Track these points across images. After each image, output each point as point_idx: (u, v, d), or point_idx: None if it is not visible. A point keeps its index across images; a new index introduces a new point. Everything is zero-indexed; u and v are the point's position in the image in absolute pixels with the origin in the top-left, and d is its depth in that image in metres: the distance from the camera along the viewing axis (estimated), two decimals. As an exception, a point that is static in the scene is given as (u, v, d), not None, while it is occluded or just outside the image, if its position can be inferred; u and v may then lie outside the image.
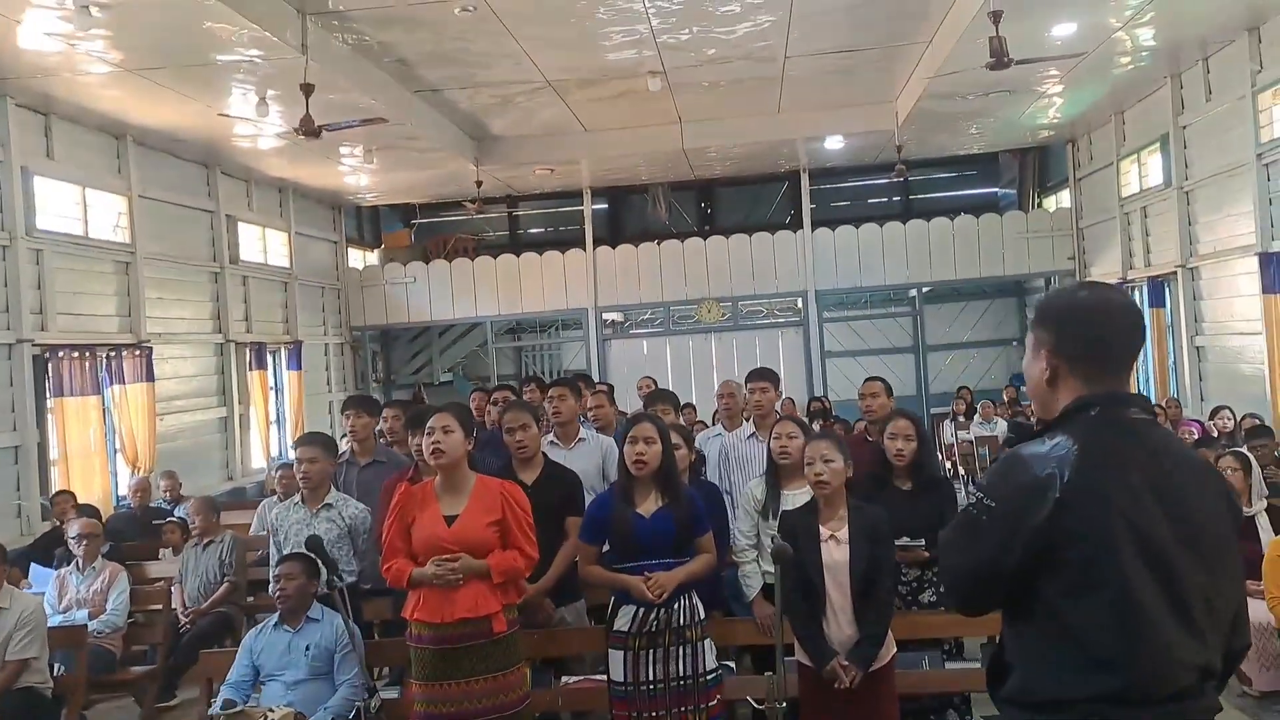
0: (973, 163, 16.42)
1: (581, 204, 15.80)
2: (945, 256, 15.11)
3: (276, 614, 4.82)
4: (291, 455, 12.42)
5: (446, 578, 3.95)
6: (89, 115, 9.30)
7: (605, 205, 17.35)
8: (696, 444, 5.90)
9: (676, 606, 4.06)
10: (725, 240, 15.54)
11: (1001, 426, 12.05)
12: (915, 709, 4.67)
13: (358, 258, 16.59)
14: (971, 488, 4.76)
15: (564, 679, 4.91)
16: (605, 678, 4.75)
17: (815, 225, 15.33)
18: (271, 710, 4.10)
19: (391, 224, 17.88)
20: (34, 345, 8.54)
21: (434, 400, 11.46)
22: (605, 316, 15.91)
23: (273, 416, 13.03)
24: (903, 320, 16.55)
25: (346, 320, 15.75)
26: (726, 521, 5.04)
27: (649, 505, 4.14)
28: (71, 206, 9.38)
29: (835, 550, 3.98)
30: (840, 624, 3.96)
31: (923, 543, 4.62)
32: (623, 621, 4.10)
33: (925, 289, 15.78)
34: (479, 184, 13.09)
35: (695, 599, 4.15)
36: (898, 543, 4.54)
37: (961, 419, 13.25)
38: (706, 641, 4.13)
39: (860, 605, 3.95)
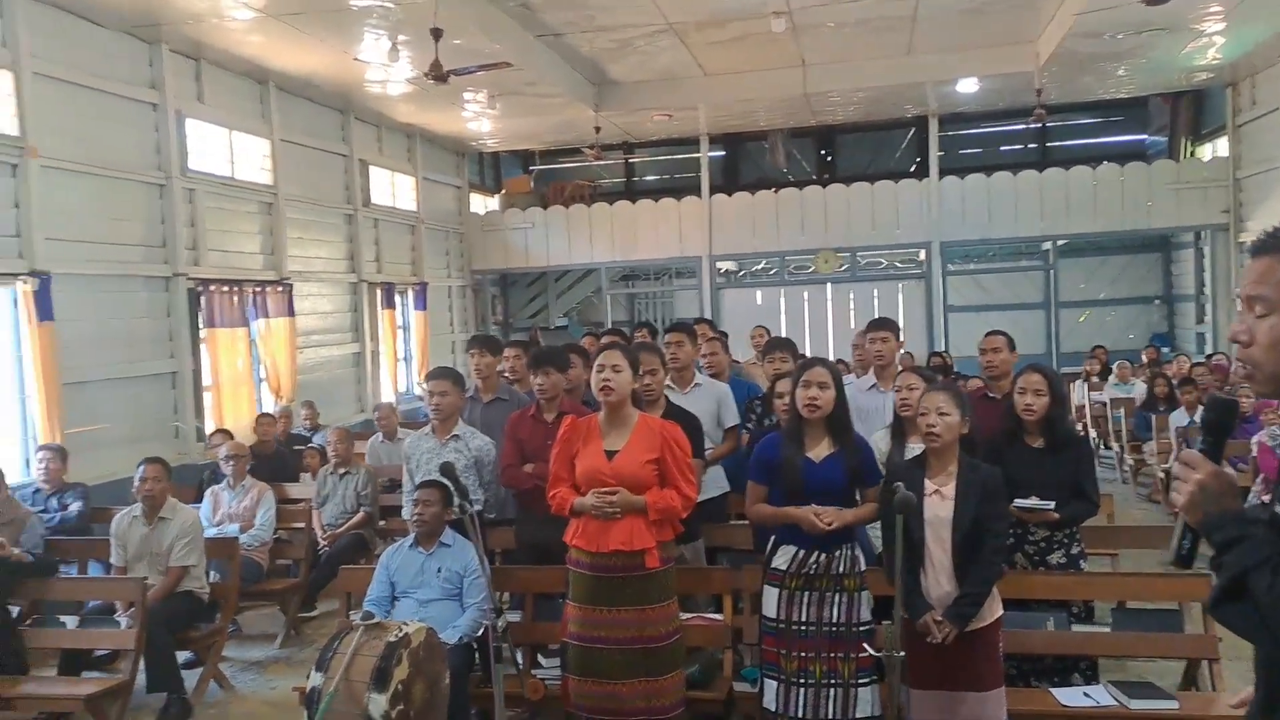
0: (1119, 108, 15.73)
1: (698, 151, 15.76)
2: (1084, 207, 14.44)
3: (411, 536, 5.15)
4: (417, 390, 13.08)
5: (604, 510, 4.12)
6: (235, 61, 9.78)
7: (722, 152, 17.30)
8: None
9: (837, 554, 4.07)
10: (845, 188, 15.29)
11: (1139, 389, 11.40)
12: (1037, 669, 4.60)
13: (479, 203, 16.98)
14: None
15: (681, 615, 5.12)
16: (719, 616, 4.99)
17: (942, 173, 14.90)
18: (406, 624, 4.31)
19: (512, 170, 18.22)
20: (188, 279, 9.12)
21: (549, 343, 11.76)
22: (719, 265, 15.89)
23: (400, 354, 13.60)
24: (1033, 275, 16.06)
25: (468, 263, 16.18)
26: None
27: (819, 450, 4.13)
28: (220, 149, 9.91)
29: (939, 506, 3.91)
30: (939, 579, 3.89)
31: (1052, 504, 4.45)
32: (781, 560, 4.13)
33: (1060, 242, 15.17)
34: (597, 130, 13.24)
35: (857, 549, 4.15)
36: (1025, 503, 4.44)
37: (1095, 379, 12.72)
38: (864, 593, 4.11)
39: (961, 563, 3.86)
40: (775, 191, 15.61)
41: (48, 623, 5.76)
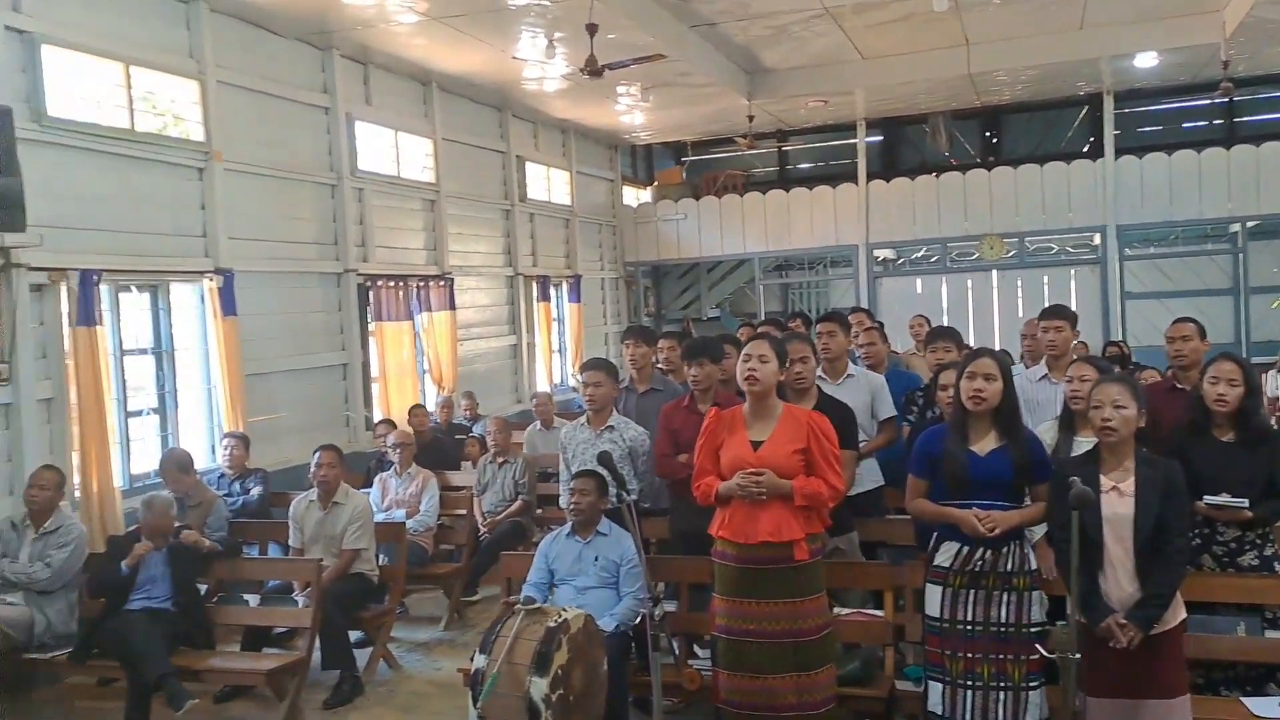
0: (1316, 79, 14.57)
1: (854, 136, 15.44)
2: (1276, 186, 13.42)
3: (569, 524, 5.24)
4: (571, 382, 13.30)
5: (750, 490, 4.08)
6: (400, 63, 10.11)
7: (879, 137, 16.91)
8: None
9: (1005, 550, 3.94)
10: (1012, 171, 14.71)
11: None
12: (1226, 678, 4.36)
13: (631, 195, 17.10)
14: None
15: (837, 610, 4.95)
16: (879, 613, 4.88)
17: (1119, 153, 14.12)
18: (565, 610, 4.39)
19: (664, 161, 18.26)
20: (358, 275, 9.51)
21: (701, 335, 11.77)
22: (877, 253, 15.52)
23: (555, 346, 13.85)
24: (1220, 259, 14.99)
25: (621, 255, 16.32)
26: None
27: (985, 444, 4.00)
28: (386, 149, 10.27)
29: (1118, 503, 3.72)
30: (1119, 580, 3.72)
31: (1246, 502, 4.22)
32: (944, 557, 4.04)
33: (1250, 224, 14.16)
34: (750, 119, 13.10)
35: (1027, 546, 4.01)
36: (1215, 500, 4.25)
37: None
38: (1035, 593, 3.97)
39: (1144, 563, 3.68)
40: (936, 176, 15.13)
41: (232, 601, 6.10)
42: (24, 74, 6.41)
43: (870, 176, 15.32)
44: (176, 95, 7.61)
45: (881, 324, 7.55)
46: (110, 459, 6.65)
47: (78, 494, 6.51)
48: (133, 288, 7.34)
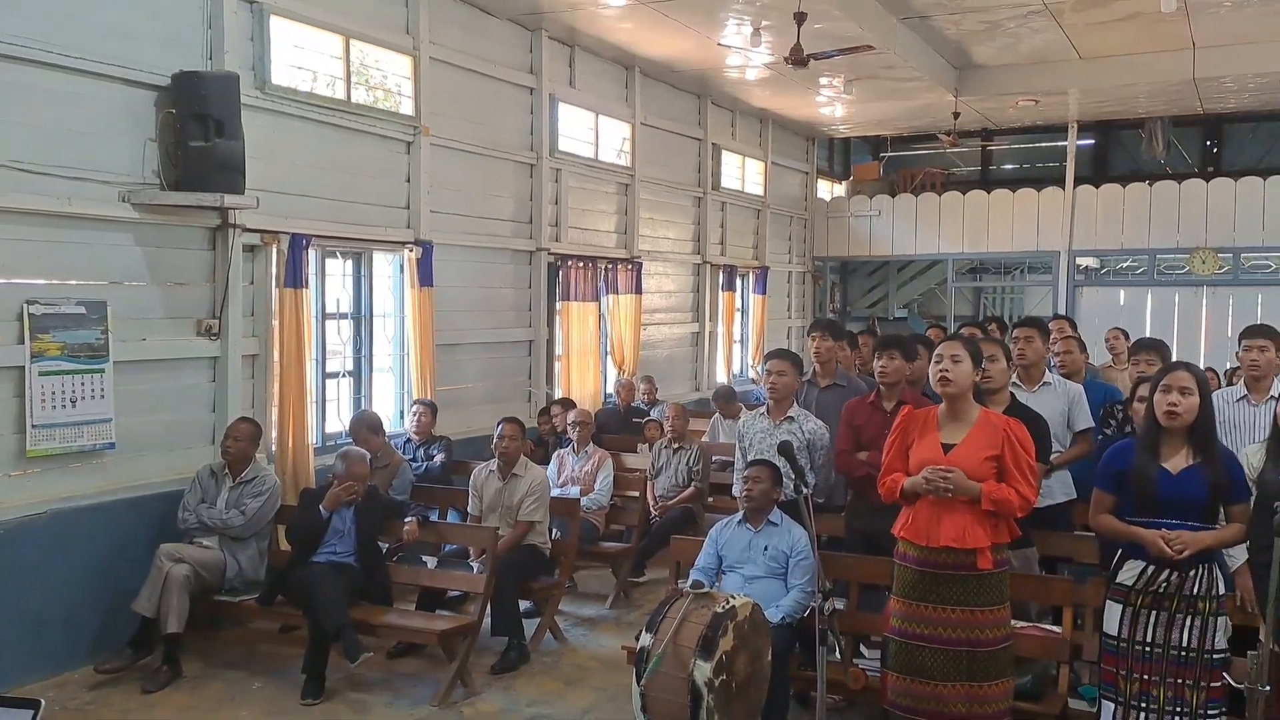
0: None
1: (1064, 139, 14.78)
2: None
3: (740, 512, 5.20)
4: (750, 374, 13.23)
5: (937, 484, 3.97)
6: (605, 47, 10.25)
7: (1091, 140, 16.13)
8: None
9: (1193, 573, 3.80)
10: (1232, 183, 13.83)
11: None
12: None
13: (825, 189, 16.86)
14: None
15: (1013, 623, 4.87)
16: (1057, 629, 4.72)
17: (1350, 169, 13.17)
18: (733, 597, 4.37)
19: (861, 156, 17.94)
20: (549, 254, 9.69)
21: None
22: (1079, 261, 14.89)
23: (736, 336, 13.80)
24: None
25: (810, 249, 16.11)
26: None
27: (1177, 461, 3.87)
28: (585, 131, 10.43)
29: None
30: None
31: None
32: (1128, 575, 3.92)
33: None
34: (956, 116, 12.74)
35: (1217, 570, 3.85)
36: None
37: None
38: (1221, 618, 3.83)
39: None
40: (1149, 184, 14.37)
41: (411, 561, 6.32)
42: (251, 43, 6.78)
43: (1078, 181, 14.67)
44: (391, 69, 7.92)
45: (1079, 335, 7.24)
46: (306, 417, 6.95)
47: (274, 448, 6.86)
48: (338, 254, 7.68)
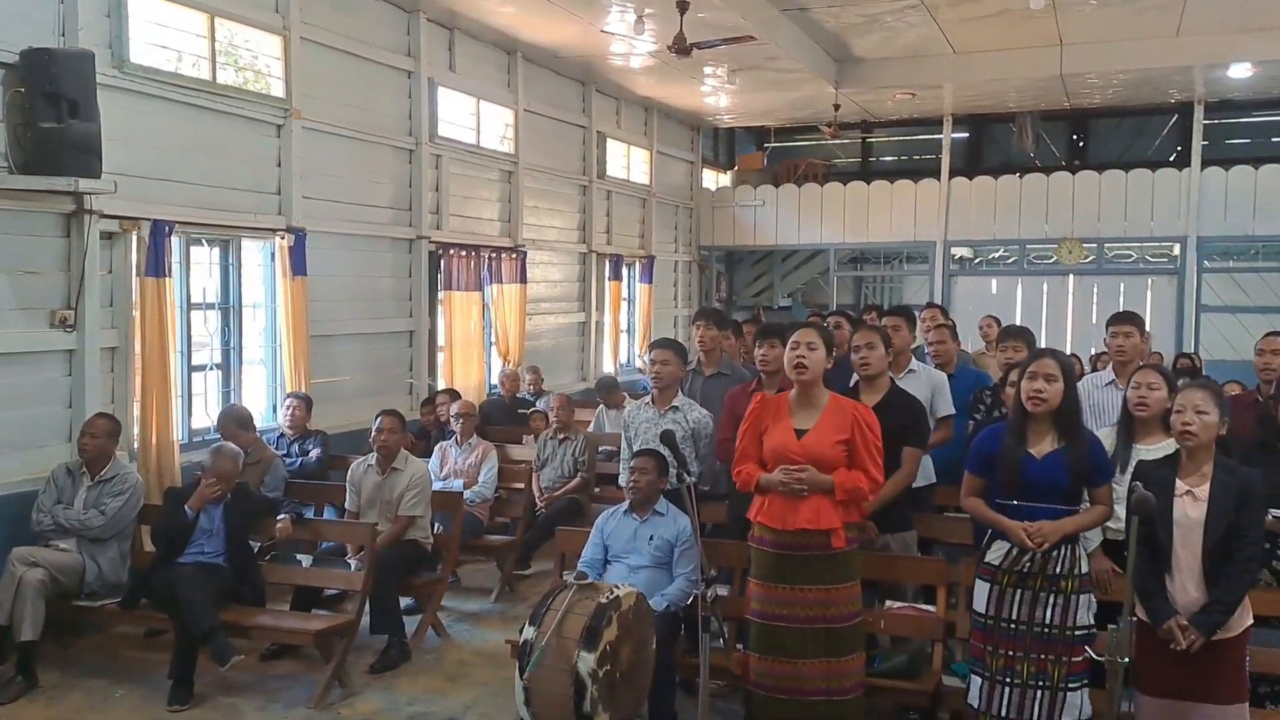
0: None
1: (940, 132, 15.20)
2: None
3: (626, 502, 5.17)
4: (638, 363, 13.21)
5: (792, 486, 4.11)
6: (486, 31, 10.06)
7: (965, 134, 16.59)
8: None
9: (1055, 553, 3.94)
10: (1097, 176, 14.39)
11: None
12: (1273, 693, 4.32)
13: (711, 178, 16.95)
14: None
15: (888, 603, 4.99)
16: (931, 608, 4.86)
17: (1205, 164, 13.79)
18: (617, 587, 4.34)
19: (745, 146, 18.08)
20: (430, 242, 9.47)
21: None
22: (954, 251, 15.33)
23: (623, 326, 13.78)
24: (1300, 277, 14.65)
25: (696, 239, 16.19)
26: None
27: (1042, 446, 4.01)
28: (466, 117, 10.23)
29: (1190, 507, 3.73)
30: (1185, 585, 3.73)
31: None
32: (995, 555, 4.06)
33: (1333, 243, 13.84)
34: (836, 107, 12.91)
35: (1079, 550, 4.01)
36: (1277, 513, 4.23)
37: None
38: (1084, 596, 3.99)
39: (1212, 569, 3.68)
40: (1020, 176, 14.87)
41: (285, 560, 6.11)
42: (108, 19, 6.42)
43: (953, 173, 15.10)
44: (260, 49, 7.63)
45: (954, 322, 7.43)
46: (171, 412, 6.68)
47: (136, 445, 6.57)
48: (204, 241, 7.37)
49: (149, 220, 6.54)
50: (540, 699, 4.09)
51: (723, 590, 4.93)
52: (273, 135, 7.76)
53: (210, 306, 7.52)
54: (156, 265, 6.54)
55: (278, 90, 7.75)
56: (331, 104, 8.28)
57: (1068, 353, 11.76)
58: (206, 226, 7.21)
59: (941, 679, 4.63)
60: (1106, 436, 4.64)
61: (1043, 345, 10.48)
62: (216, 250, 7.54)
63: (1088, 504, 4.02)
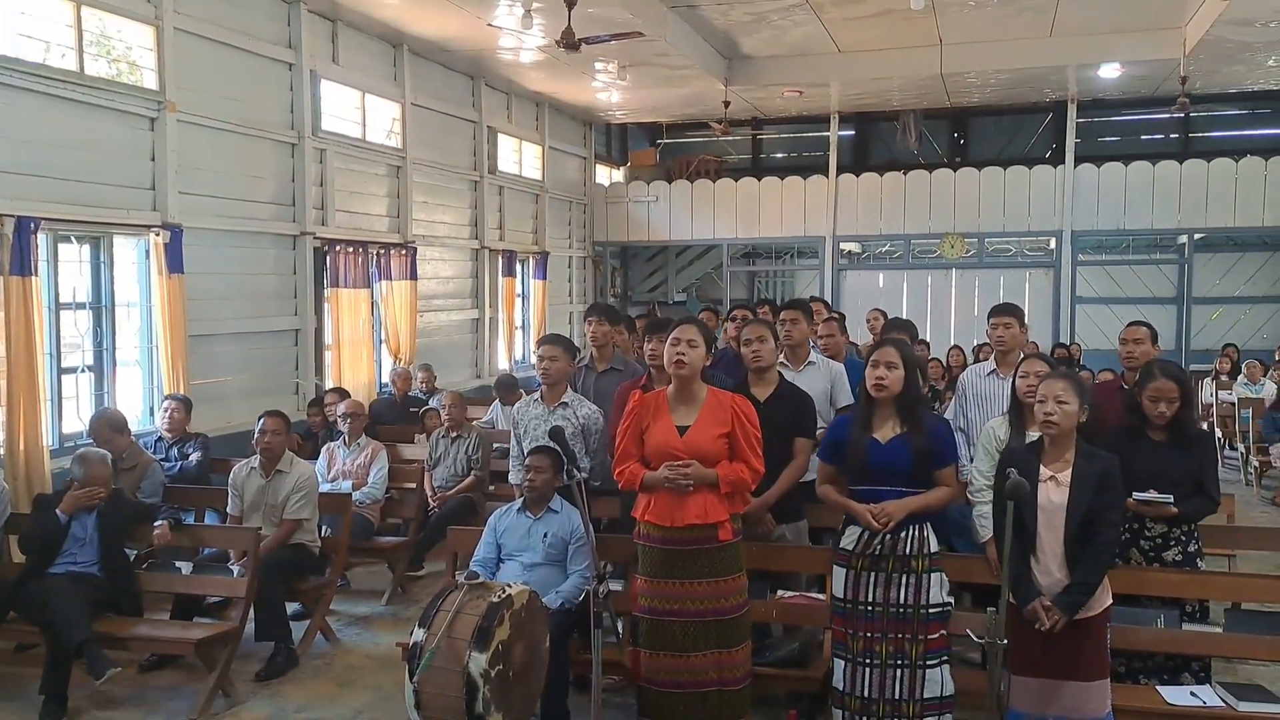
0: (1267, 100, 14.91)
1: (827, 129, 15.50)
2: (1224, 202, 13.93)
3: (520, 499, 5.13)
4: (532, 359, 13.13)
5: (678, 482, 4.14)
6: (371, 23, 9.88)
7: (852, 131, 16.93)
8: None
9: (904, 535, 4.06)
10: (977, 173, 14.92)
11: (1269, 389, 11.32)
12: (1147, 667, 4.51)
13: (604, 174, 16.96)
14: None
15: (780, 593, 5.03)
16: (822, 596, 4.91)
17: (1078, 161, 14.43)
18: (509, 586, 4.30)
19: (638, 142, 18.15)
20: (315, 239, 9.26)
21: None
22: (842, 246, 15.68)
23: (518, 322, 13.69)
24: (1167, 269, 15.41)
25: (590, 235, 16.19)
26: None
27: (886, 431, 4.11)
28: (352, 111, 10.03)
29: (1053, 492, 3.88)
30: (1049, 567, 3.87)
31: (1171, 498, 4.37)
32: (848, 540, 4.16)
33: (1197, 236, 14.65)
34: (726, 104, 13.06)
35: (928, 530, 4.11)
36: (1143, 496, 4.38)
37: (1224, 378, 12.44)
38: (935, 574, 4.09)
39: (1074, 551, 3.83)
40: (904, 173, 15.27)
41: (164, 568, 5.89)
42: (-34, 9, 6.15)
43: (840, 170, 15.43)
44: (131, 40, 7.35)
45: (842, 315, 7.56)
46: (40, 416, 6.45)
47: (2, 452, 6.31)
48: (73, 238, 7.09)
49: (13, 217, 6.28)
50: (431, 701, 4.02)
51: (616, 586, 4.94)
52: (146, 129, 7.49)
53: (81, 306, 7.23)
54: (22, 263, 6.28)
55: (150, 82, 7.48)
56: (208, 96, 8.03)
57: (951, 343, 12.21)
58: (75, 223, 6.94)
59: (832, 666, 4.67)
60: (1000, 426, 4.81)
61: (928, 337, 10.99)
62: (86, 247, 7.25)
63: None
